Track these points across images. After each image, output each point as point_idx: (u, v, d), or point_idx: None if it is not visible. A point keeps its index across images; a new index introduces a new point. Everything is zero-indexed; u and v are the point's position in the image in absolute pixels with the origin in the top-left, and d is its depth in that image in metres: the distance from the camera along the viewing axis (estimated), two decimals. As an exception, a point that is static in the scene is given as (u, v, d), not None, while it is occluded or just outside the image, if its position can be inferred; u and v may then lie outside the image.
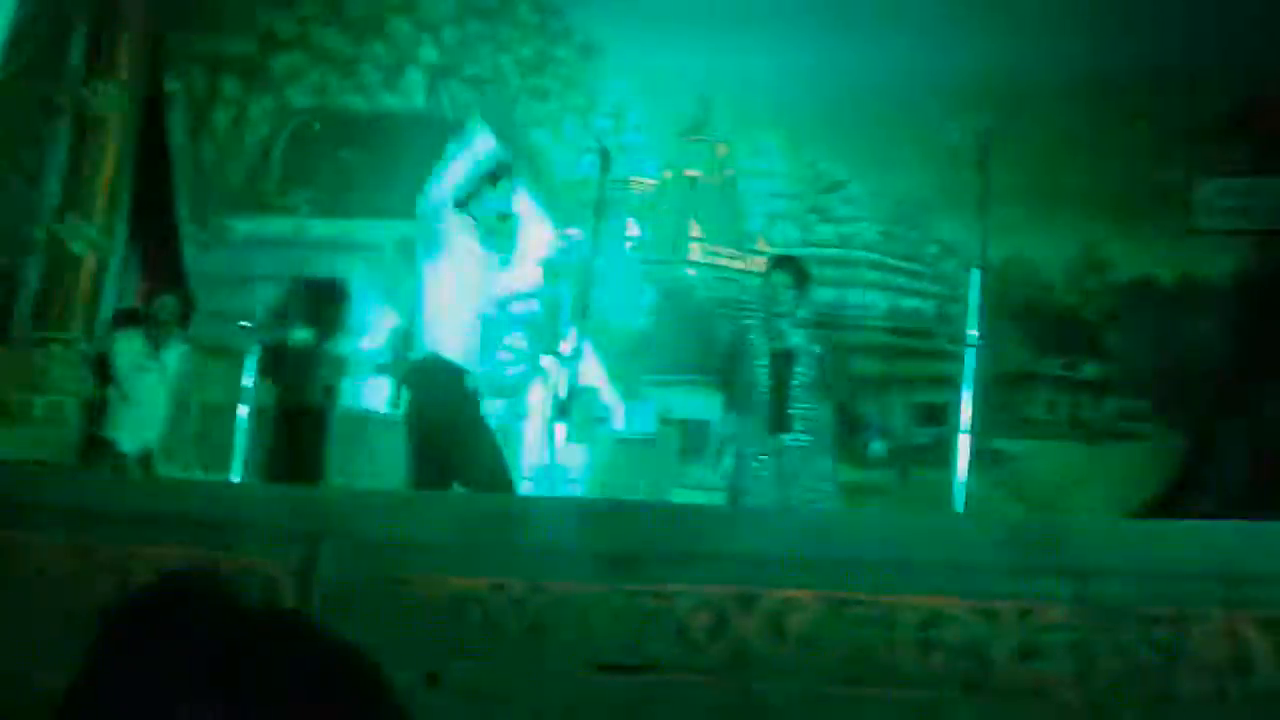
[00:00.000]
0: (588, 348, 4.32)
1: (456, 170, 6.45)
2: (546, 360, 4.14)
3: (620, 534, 2.71)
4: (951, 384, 5.64)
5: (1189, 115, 5.82)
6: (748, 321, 5.02)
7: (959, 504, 3.47)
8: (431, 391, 3.89)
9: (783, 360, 4.73)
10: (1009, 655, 2.44)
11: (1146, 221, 5.83)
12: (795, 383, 4.67)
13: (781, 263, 5.01)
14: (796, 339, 4.74)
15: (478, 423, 3.88)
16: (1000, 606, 2.48)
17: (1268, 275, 5.61)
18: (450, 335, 3.96)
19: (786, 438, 4.64)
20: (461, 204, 4.29)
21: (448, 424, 3.80)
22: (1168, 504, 5.38)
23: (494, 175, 4.32)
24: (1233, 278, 5.71)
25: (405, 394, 4.08)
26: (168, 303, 6.01)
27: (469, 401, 3.89)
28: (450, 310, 4.00)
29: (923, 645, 2.49)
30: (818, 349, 4.75)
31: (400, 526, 2.72)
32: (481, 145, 5.42)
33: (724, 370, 4.88)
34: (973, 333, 3.61)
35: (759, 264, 6.34)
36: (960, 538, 2.65)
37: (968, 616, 2.49)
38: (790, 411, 4.68)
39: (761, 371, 4.73)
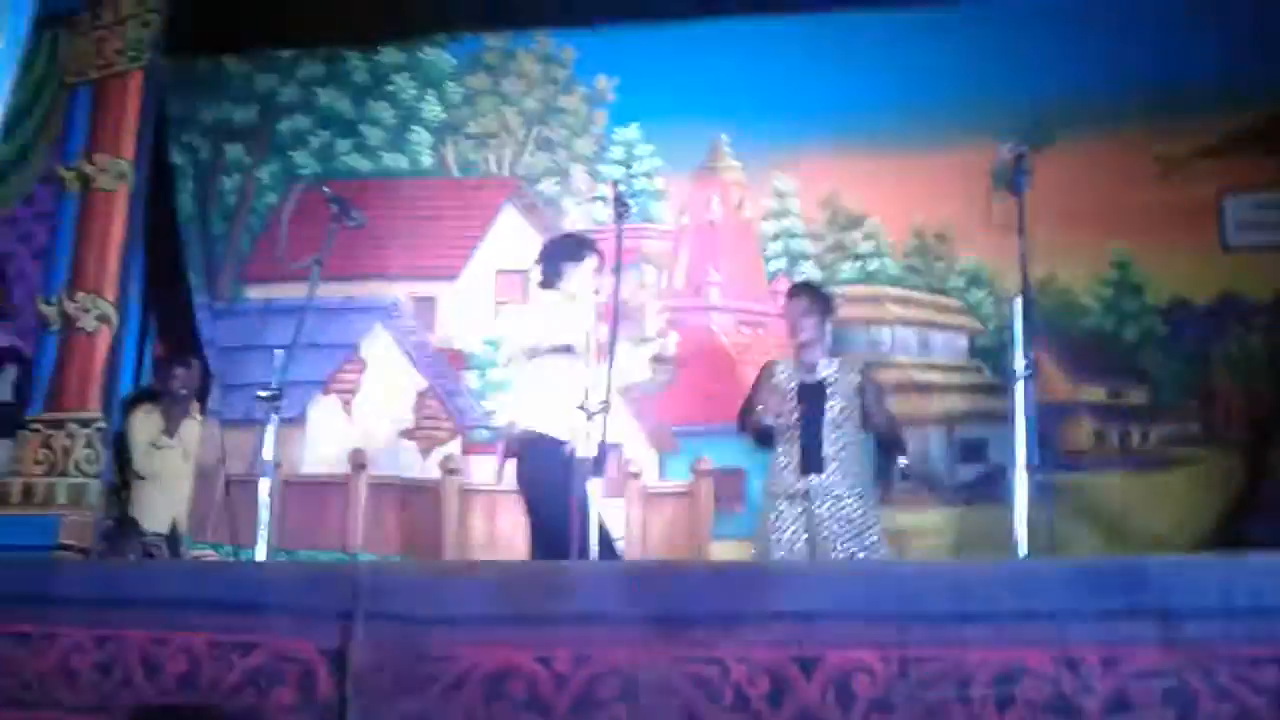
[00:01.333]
0: (615, 399, 4.19)
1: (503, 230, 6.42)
2: (575, 415, 4.02)
3: (667, 595, 2.55)
4: (990, 418, 5.52)
5: (1217, 131, 5.70)
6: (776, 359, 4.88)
7: (1020, 545, 3.30)
8: (535, 465, 3.91)
9: (812, 394, 4.59)
10: (1099, 707, 2.27)
11: (1180, 240, 5.69)
12: (826, 418, 4.54)
13: (796, 290, 4.91)
14: (825, 370, 4.62)
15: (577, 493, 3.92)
16: (1083, 654, 2.32)
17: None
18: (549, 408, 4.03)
19: (818, 479, 4.50)
20: (547, 284, 4.36)
21: (553, 497, 3.85)
22: (1227, 530, 5.20)
23: (577, 252, 4.37)
24: (1273, 294, 5.56)
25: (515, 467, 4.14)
26: (182, 375, 5.95)
27: (570, 472, 3.93)
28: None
29: (1001, 702, 2.33)
30: (855, 377, 4.61)
31: (437, 601, 2.57)
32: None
33: (747, 411, 4.76)
34: (1021, 363, 3.45)
35: (782, 306, 6.24)
36: (1031, 582, 2.48)
37: (1048, 668, 2.32)
38: (823, 450, 4.54)
39: (788, 407, 4.60)
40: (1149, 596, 2.33)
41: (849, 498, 4.49)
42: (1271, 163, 5.70)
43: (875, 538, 4.49)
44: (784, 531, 4.51)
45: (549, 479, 4.11)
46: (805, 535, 4.47)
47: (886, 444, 4.67)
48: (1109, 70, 5.74)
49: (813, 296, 4.79)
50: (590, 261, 4.55)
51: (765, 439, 4.68)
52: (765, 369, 4.87)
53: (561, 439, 4.14)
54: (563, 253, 4.59)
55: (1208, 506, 5.36)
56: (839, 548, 4.43)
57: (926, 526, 5.59)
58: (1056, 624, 2.34)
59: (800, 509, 4.51)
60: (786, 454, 4.61)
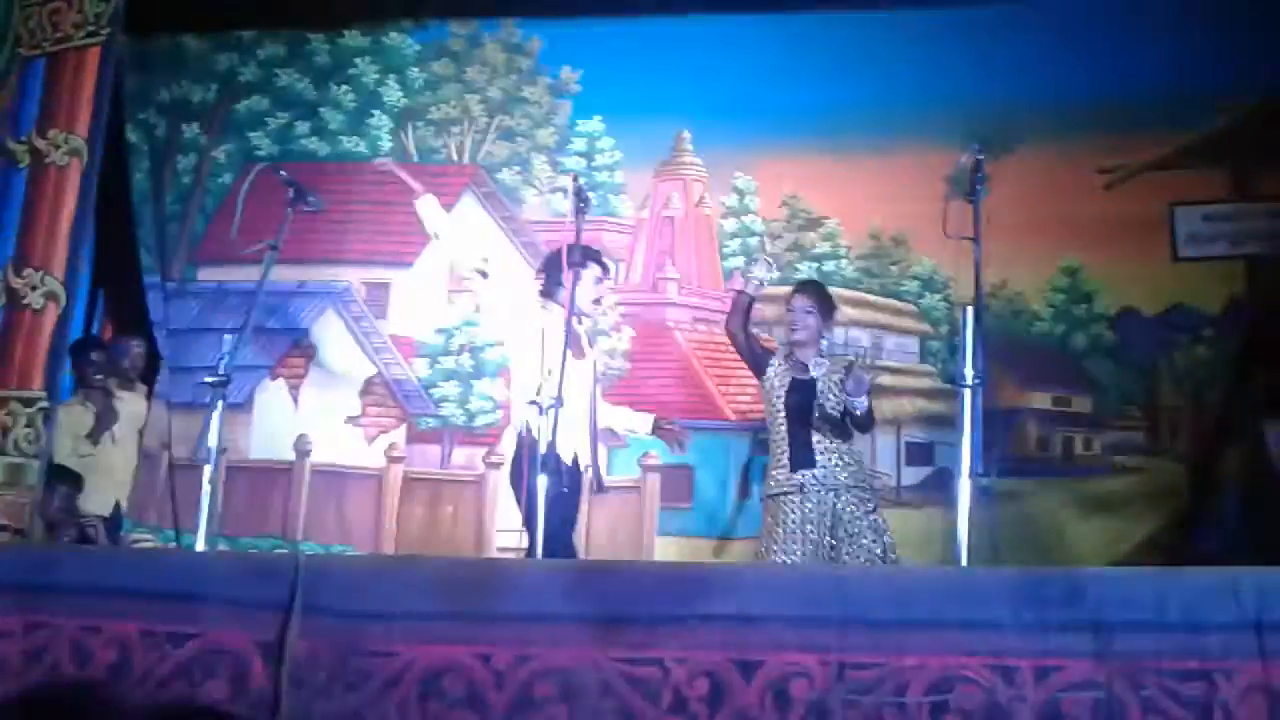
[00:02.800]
0: (567, 395, 4.18)
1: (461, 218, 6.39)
2: (525, 411, 4.01)
3: (607, 596, 2.55)
4: (939, 422, 5.56)
5: (1169, 143, 5.77)
6: (769, 352, 4.83)
7: (962, 549, 3.33)
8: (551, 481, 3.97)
9: (802, 390, 4.55)
10: (1030, 717, 2.29)
11: (1132, 251, 5.76)
12: (817, 415, 4.50)
13: (804, 286, 4.86)
14: (816, 371, 4.60)
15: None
16: (1018, 665, 2.34)
17: (1257, 302, 5.54)
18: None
19: (809, 474, 4.47)
20: (548, 294, 4.35)
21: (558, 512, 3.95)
22: (1167, 540, 5.28)
23: (580, 262, 4.37)
24: (1221, 305, 5.64)
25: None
26: (130, 355, 5.87)
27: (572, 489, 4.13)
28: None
29: (936, 709, 2.34)
30: (837, 376, 4.59)
31: (375, 595, 2.55)
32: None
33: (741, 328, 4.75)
34: (969, 372, 3.47)
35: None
36: (971, 591, 2.51)
37: (983, 677, 2.34)
38: (813, 446, 4.52)
39: (780, 403, 4.58)
40: (1084, 609, 2.35)
41: (845, 492, 4.45)
42: (1221, 175, 5.79)
43: (873, 534, 4.44)
44: (783, 529, 4.46)
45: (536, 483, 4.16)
46: (815, 530, 4.43)
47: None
48: (1065, 82, 5.80)
49: (818, 296, 4.75)
50: (591, 271, 4.55)
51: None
52: (758, 363, 4.81)
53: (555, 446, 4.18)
54: (562, 264, 4.55)
55: (1150, 516, 5.44)
56: (837, 543, 4.39)
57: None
58: (994, 633, 2.37)
59: (795, 505, 4.47)
60: (778, 453, 4.59)
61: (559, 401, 3.83)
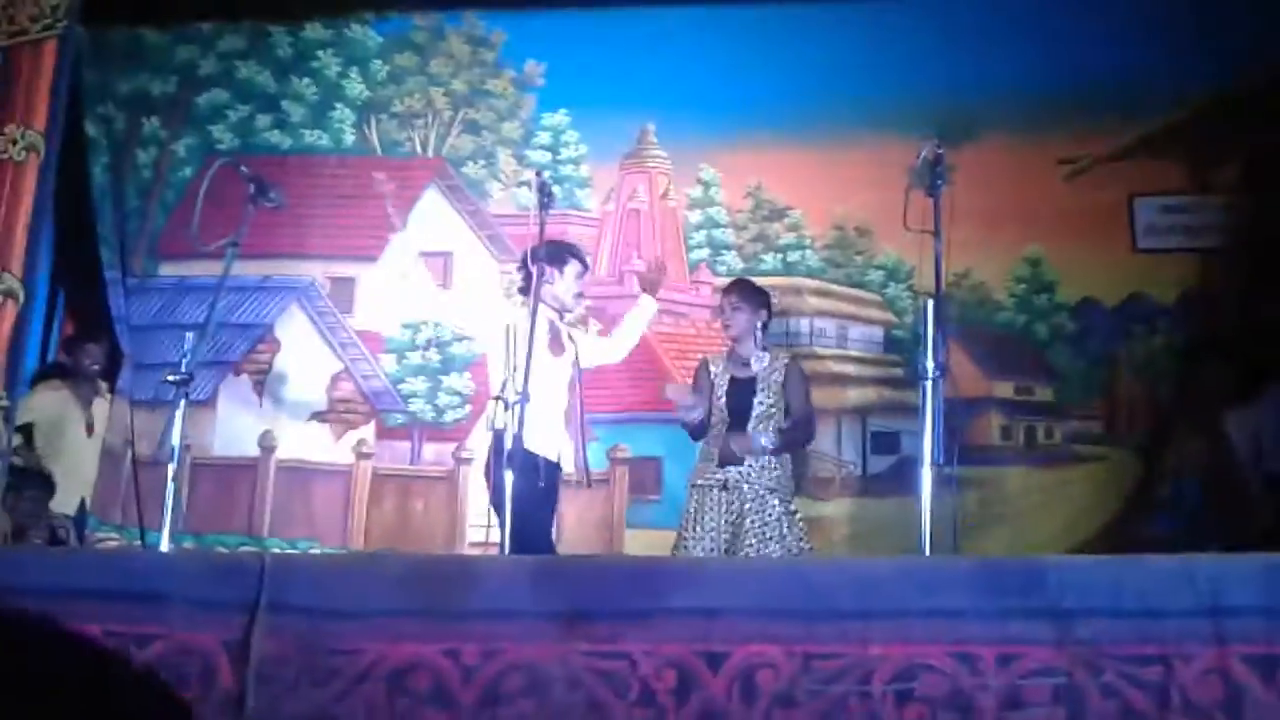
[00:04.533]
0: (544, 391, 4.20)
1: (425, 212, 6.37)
2: (490, 405, 4.01)
3: (575, 590, 2.55)
4: (903, 411, 5.61)
5: (1129, 134, 5.84)
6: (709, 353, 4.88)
7: (923, 540, 3.36)
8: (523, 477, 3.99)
9: (741, 388, 4.59)
10: (994, 704, 2.32)
11: (1092, 241, 5.82)
12: (753, 412, 4.57)
13: (730, 286, 4.93)
14: (757, 366, 4.64)
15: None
16: (980, 652, 2.37)
17: (1212, 294, 5.62)
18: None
19: (736, 470, 4.50)
20: (526, 290, 4.35)
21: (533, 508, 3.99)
22: (1125, 527, 5.36)
23: (560, 258, 4.38)
24: (1179, 296, 5.71)
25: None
26: (92, 352, 5.81)
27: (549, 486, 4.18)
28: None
29: (900, 697, 2.37)
30: (780, 369, 4.65)
31: (341, 593, 2.54)
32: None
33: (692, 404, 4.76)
34: (929, 365, 3.50)
35: (704, 295, 6.27)
36: (934, 580, 2.53)
37: (946, 665, 2.37)
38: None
39: (721, 402, 4.62)
40: (1045, 596, 2.39)
41: (767, 492, 4.51)
42: (1180, 167, 5.86)
43: (793, 533, 4.51)
44: (703, 522, 4.53)
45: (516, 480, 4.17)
46: (724, 527, 4.49)
47: (794, 432, 4.69)
48: (1025, 72, 5.86)
49: (743, 292, 4.80)
50: (572, 267, 4.57)
51: (698, 434, 4.71)
52: (700, 365, 4.89)
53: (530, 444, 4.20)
54: (544, 259, 4.55)
55: (1108, 503, 5.52)
56: (756, 541, 4.44)
57: (836, 515, 5.68)
58: (956, 622, 2.40)
59: (718, 500, 4.53)
60: (710, 445, 4.65)
61: (524, 397, 3.83)
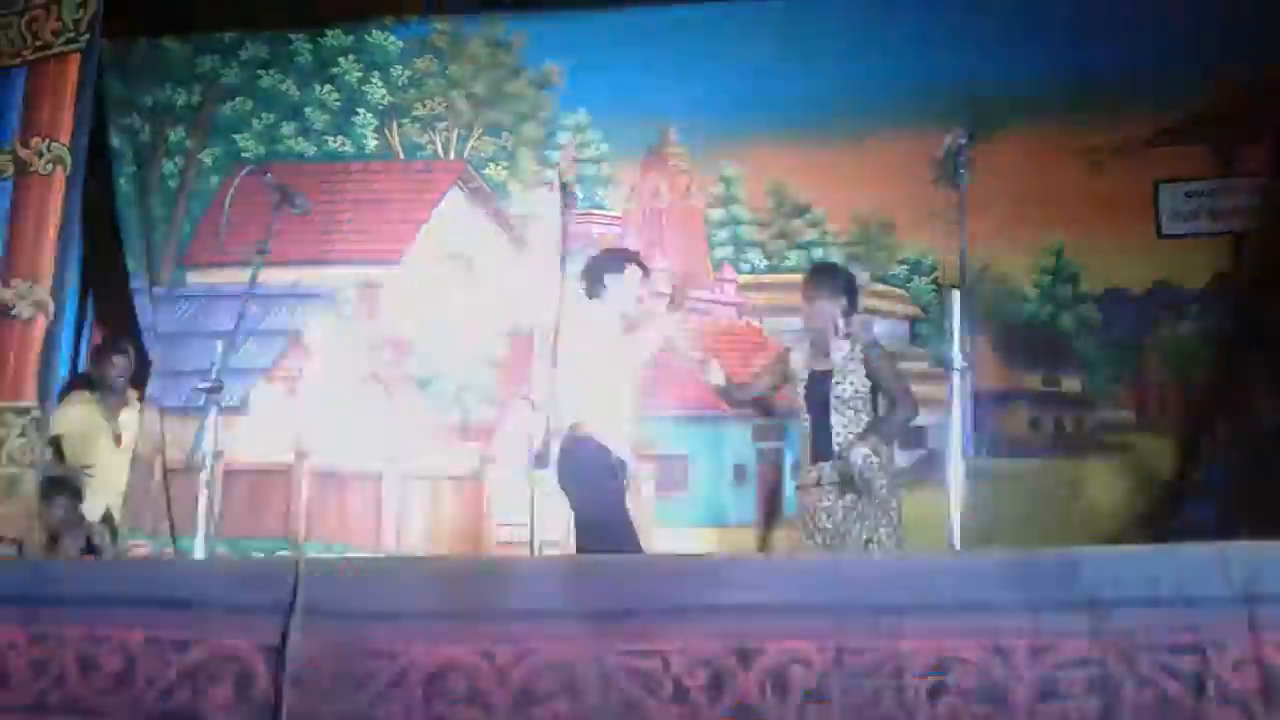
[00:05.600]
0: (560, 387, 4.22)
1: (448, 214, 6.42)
2: (519, 405, 4.04)
3: (607, 590, 2.57)
4: (930, 404, 5.58)
5: (1152, 122, 5.80)
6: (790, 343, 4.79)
7: (955, 531, 3.36)
8: (579, 463, 4.16)
9: (819, 380, 4.52)
10: (1028, 695, 2.32)
11: (1117, 229, 5.78)
12: (833, 401, 4.48)
13: (807, 278, 4.78)
14: (837, 354, 4.50)
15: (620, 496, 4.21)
16: (1013, 644, 2.37)
17: (1241, 277, 5.58)
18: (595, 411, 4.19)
19: (826, 467, 4.46)
20: (593, 294, 4.39)
21: (596, 493, 4.12)
22: (1158, 515, 5.32)
23: (618, 264, 4.42)
24: (1207, 282, 5.67)
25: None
26: (120, 363, 5.87)
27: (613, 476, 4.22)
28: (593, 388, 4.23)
29: (934, 691, 2.37)
30: (861, 354, 4.50)
31: (376, 596, 2.57)
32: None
33: (764, 398, 4.75)
34: (956, 356, 3.50)
35: (727, 293, 6.27)
36: (966, 574, 2.53)
37: (979, 658, 2.37)
38: (832, 439, 4.49)
39: (801, 397, 4.54)
40: (1077, 588, 2.38)
41: (863, 485, 4.39)
42: (1203, 152, 5.82)
43: (887, 524, 4.40)
44: (812, 520, 4.47)
45: (591, 477, 4.27)
46: (839, 522, 4.41)
47: (892, 417, 4.56)
48: (1046, 63, 5.83)
49: (818, 281, 4.66)
50: (631, 273, 4.60)
51: (760, 408, 4.73)
52: (777, 356, 4.82)
53: (603, 440, 4.32)
54: (604, 266, 4.61)
55: (1140, 492, 5.48)
56: (855, 532, 4.36)
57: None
58: (988, 614, 2.39)
59: (816, 497, 4.46)
60: (804, 446, 4.60)
61: (553, 398, 3.85)
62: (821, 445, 4.48)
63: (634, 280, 4.61)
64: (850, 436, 4.44)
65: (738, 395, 4.79)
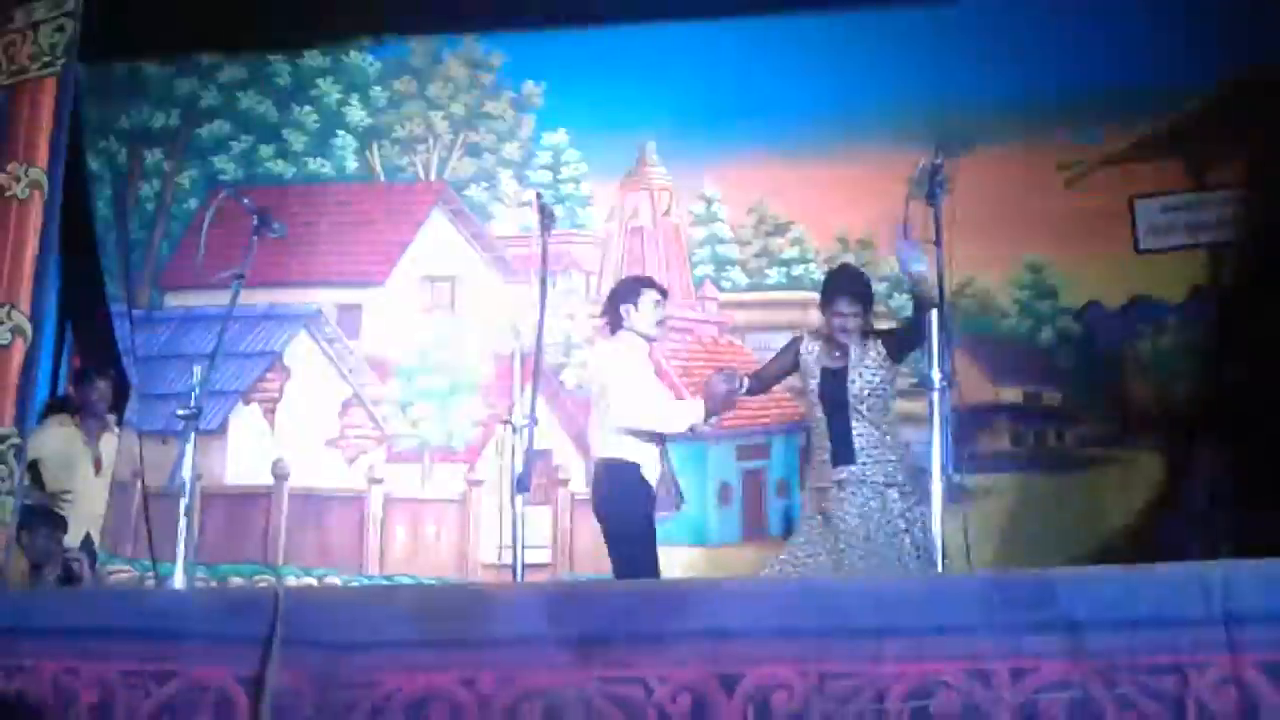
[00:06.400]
0: (542, 408, 4.21)
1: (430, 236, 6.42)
2: (501, 429, 4.03)
3: (589, 616, 2.56)
4: (913, 420, 5.59)
5: (1127, 137, 5.85)
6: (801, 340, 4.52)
7: (935, 550, 3.36)
8: (611, 488, 4.19)
9: (835, 379, 4.33)
10: (1009, 719, 2.32)
11: (1094, 244, 5.83)
12: (850, 396, 4.28)
13: (839, 271, 4.63)
14: (855, 352, 4.34)
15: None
16: (994, 667, 2.37)
17: (1219, 289, 5.62)
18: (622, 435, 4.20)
19: (847, 470, 4.23)
20: (615, 328, 4.37)
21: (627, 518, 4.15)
22: (1140, 530, 5.34)
23: (634, 290, 4.39)
24: (1184, 294, 5.71)
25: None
26: (100, 387, 5.83)
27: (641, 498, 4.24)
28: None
29: (916, 715, 2.37)
30: (868, 355, 4.31)
31: (356, 625, 2.56)
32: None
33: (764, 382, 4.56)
34: (936, 375, 3.51)
35: (709, 312, 6.28)
36: (946, 596, 2.54)
37: (960, 681, 2.37)
38: (852, 440, 4.27)
39: (814, 396, 4.35)
40: (1056, 609, 2.39)
41: (885, 487, 4.19)
42: (1179, 166, 5.87)
43: (913, 529, 4.15)
44: (826, 524, 4.23)
45: (623, 502, 4.28)
46: (850, 528, 4.16)
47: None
48: (1022, 81, 5.88)
49: (850, 299, 4.39)
50: (648, 297, 4.57)
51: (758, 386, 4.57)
52: (792, 343, 4.56)
53: (635, 463, 4.30)
54: (619, 298, 4.59)
55: (1121, 506, 5.50)
56: (869, 541, 4.12)
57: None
58: (969, 637, 2.40)
59: (837, 502, 4.20)
60: (819, 447, 4.36)
61: (533, 420, 3.85)
62: (841, 449, 4.25)
63: (650, 304, 4.56)
64: (871, 447, 4.26)
65: (755, 386, 4.57)
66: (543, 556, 5.86)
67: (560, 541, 5.96)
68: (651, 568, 4.22)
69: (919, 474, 4.03)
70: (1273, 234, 5.50)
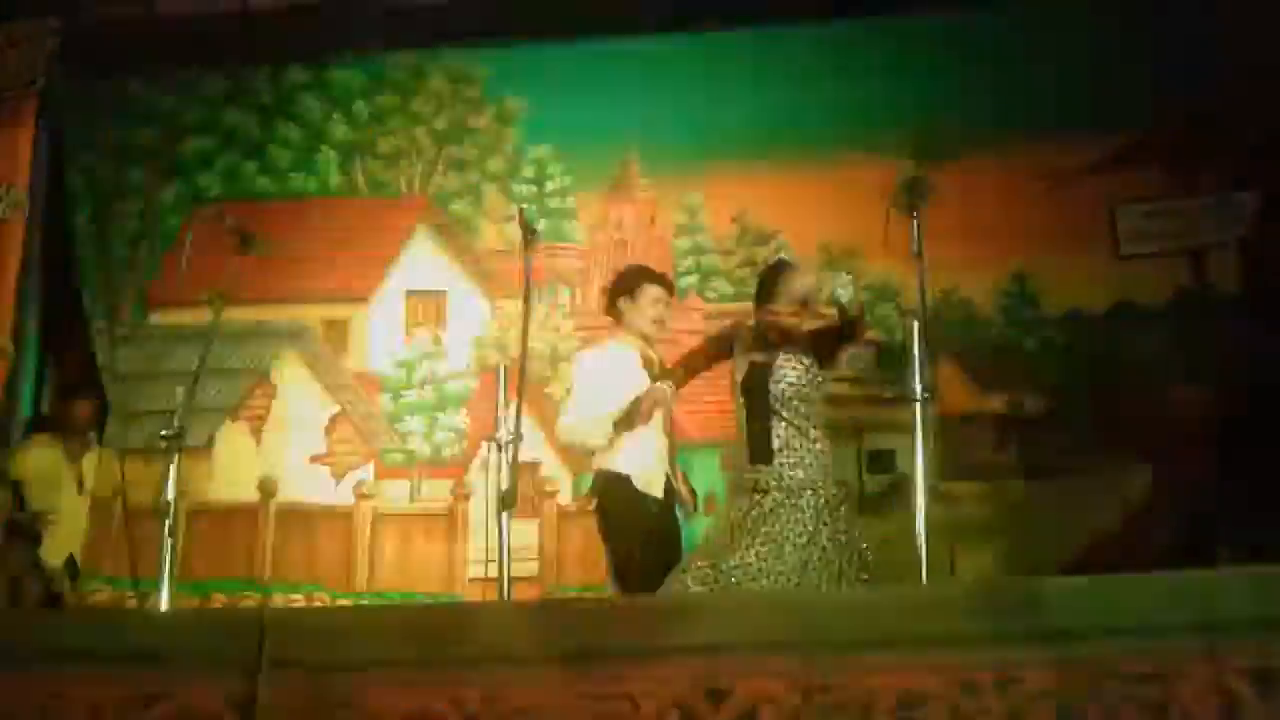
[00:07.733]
0: (528, 423, 4.21)
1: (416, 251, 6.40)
2: (486, 445, 4.01)
3: (574, 633, 2.56)
4: (898, 429, 5.61)
5: (1107, 145, 5.89)
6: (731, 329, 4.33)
7: (921, 557, 3.38)
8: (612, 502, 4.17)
9: (758, 377, 4.07)
10: (995, 729, 2.34)
11: (1076, 251, 5.86)
12: (771, 394, 4.03)
13: (774, 268, 4.33)
14: (784, 350, 4.08)
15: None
16: (980, 678, 2.39)
17: (1202, 293, 5.67)
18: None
19: (765, 470, 3.98)
20: (616, 318, 4.30)
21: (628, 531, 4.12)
22: (1124, 537, 5.37)
23: (634, 284, 4.31)
24: (1167, 299, 5.75)
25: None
26: (84, 405, 5.82)
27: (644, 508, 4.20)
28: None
29: (903, 727, 2.38)
30: (799, 361, 4.08)
31: (344, 646, 2.56)
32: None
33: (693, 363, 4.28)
34: (917, 386, 3.53)
35: (694, 321, 6.28)
36: (929, 607, 2.55)
37: (946, 692, 2.38)
38: (771, 439, 4.00)
39: (738, 391, 4.11)
40: (1041, 618, 2.41)
41: (799, 489, 3.91)
42: (1159, 173, 5.91)
43: (834, 527, 3.91)
44: (746, 523, 3.90)
45: (624, 515, 4.21)
46: (772, 534, 3.86)
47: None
48: (1002, 91, 5.92)
49: (774, 278, 4.20)
50: (647, 292, 4.34)
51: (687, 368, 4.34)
52: (726, 333, 4.33)
53: (627, 475, 4.24)
54: (617, 291, 4.41)
55: (1105, 513, 5.52)
56: (789, 548, 3.82)
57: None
58: (954, 647, 2.41)
59: (748, 503, 3.93)
60: (742, 447, 4.09)
61: (518, 436, 3.84)
62: (759, 449, 4.00)
63: (648, 300, 4.34)
64: (788, 449, 4.01)
65: (682, 376, 4.25)
66: (531, 569, 5.86)
67: (548, 554, 5.96)
68: (655, 579, 3.91)
69: (838, 482, 4.01)
70: (1259, 237, 5.54)
